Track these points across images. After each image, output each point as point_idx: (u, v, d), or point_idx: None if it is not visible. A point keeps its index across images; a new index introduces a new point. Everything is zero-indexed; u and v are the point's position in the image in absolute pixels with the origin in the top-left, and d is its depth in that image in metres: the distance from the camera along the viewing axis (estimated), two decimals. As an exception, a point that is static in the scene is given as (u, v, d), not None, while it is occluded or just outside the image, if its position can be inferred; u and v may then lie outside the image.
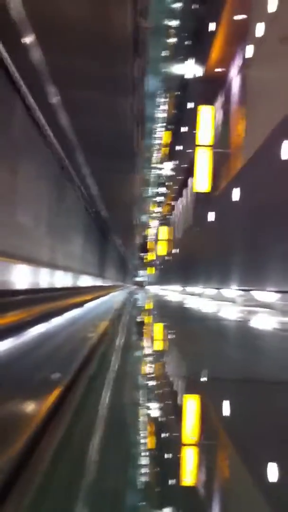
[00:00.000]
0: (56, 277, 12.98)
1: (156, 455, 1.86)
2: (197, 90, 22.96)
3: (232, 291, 14.08)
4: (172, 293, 31.91)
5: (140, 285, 71.36)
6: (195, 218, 25.43)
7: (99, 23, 7.76)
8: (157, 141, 44.93)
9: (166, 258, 49.54)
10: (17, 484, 1.41)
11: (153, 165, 46.32)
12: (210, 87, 20.03)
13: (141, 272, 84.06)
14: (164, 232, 54.56)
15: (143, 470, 1.67)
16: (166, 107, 39.24)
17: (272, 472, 1.72)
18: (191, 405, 2.77)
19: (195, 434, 2.14)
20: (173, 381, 3.40)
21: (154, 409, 2.46)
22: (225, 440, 2.12)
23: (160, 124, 42.23)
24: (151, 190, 51.11)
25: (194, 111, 22.36)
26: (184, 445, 1.96)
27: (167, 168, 39.84)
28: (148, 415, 2.37)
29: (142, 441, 1.99)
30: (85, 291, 15.67)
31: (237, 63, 16.55)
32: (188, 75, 26.48)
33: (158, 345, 5.28)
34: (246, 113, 14.35)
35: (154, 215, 60.41)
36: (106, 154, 13.81)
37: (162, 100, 38.50)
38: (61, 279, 13.96)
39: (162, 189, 46.62)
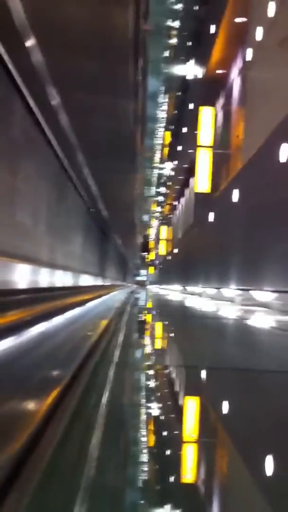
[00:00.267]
0: (56, 276, 13.08)
1: (157, 441, 1.96)
2: (198, 91, 23.06)
3: (231, 290, 14.21)
4: (173, 292, 32.03)
5: (141, 284, 71.36)
6: (195, 218, 25.54)
7: (100, 25, 7.80)
8: (158, 141, 45.02)
9: (167, 257, 49.64)
10: (19, 478, 1.42)
11: (154, 165, 46.39)
12: (211, 88, 20.14)
13: (142, 272, 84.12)
14: (164, 232, 54.69)
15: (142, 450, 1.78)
16: (166, 107, 39.33)
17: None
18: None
19: (192, 422, 2.27)
20: (170, 370, 3.63)
21: (153, 396, 2.60)
22: (218, 424, 2.25)
23: (161, 124, 42.31)
24: (152, 190, 51.20)
25: (194, 112, 22.48)
26: (184, 441, 2.06)
27: (168, 168, 39.92)
28: (147, 400, 2.54)
29: (141, 422, 2.12)
30: (86, 290, 15.78)
31: (237, 64, 16.67)
32: (189, 76, 26.59)
33: (157, 341, 5.46)
34: (246, 115, 14.47)
35: (155, 214, 60.51)
36: (106, 154, 13.83)
37: (163, 100, 38.59)
38: (61, 279, 14.06)
39: (163, 189, 46.71)
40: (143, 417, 2.27)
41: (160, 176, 46.76)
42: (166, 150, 42.57)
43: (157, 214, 58.77)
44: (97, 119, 11.26)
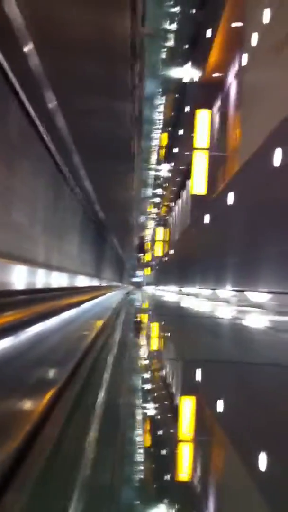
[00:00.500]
0: (52, 277, 13.17)
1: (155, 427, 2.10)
2: (194, 94, 23.21)
3: (227, 291, 14.36)
4: (169, 293, 32.15)
5: (138, 285, 71.40)
6: (191, 220, 25.68)
7: (97, 28, 7.86)
8: (154, 143, 45.14)
9: (163, 259, 49.74)
10: (16, 476, 1.43)
11: (150, 167, 46.50)
12: (208, 91, 20.29)
13: (138, 273, 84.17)
14: (161, 233, 54.81)
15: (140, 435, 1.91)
16: (163, 109, 39.47)
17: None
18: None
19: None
20: (165, 364, 3.92)
21: (149, 386, 2.74)
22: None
23: (157, 126, 42.44)
24: (148, 191, 51.30)
25: (191, 114, 22.62)
26: (181, 438, 2.20)
27: (165, 170, 40.05)
28: (143, 389, 2.71)
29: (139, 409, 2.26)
30: (82, 291, 15.88)
31: (234, 68, 16.84)
32: (186, 79, 26.74)
33: (152, 339, 5.69)
34: (242, 118, 14.62)
35: (152, 215, 60.58)
36: (103, 156, 13.88)
37: (160, 103, 38.72)
38: (57, 280, 14.15)
39: (160, 191, 46.83)
40: (141, 404, 2.41)
41: (156, 177, 46.86)
42: (162, 151, 42.68)
43: (154, 216, 58.86)
44: (94, 121, 11.34)
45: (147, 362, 3.85)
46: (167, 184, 39.96)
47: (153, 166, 46.37)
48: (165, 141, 41.60)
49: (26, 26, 7.21)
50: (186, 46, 27.00)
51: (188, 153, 23.55)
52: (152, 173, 47.17)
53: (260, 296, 10.66)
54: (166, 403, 2.61)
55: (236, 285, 13.23)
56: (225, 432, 2.17)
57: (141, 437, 2.02)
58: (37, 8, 7.01)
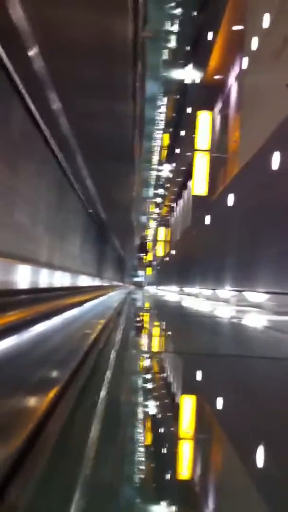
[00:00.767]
0: (54, 277, 13.31)
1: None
2: (196, 95, 23.34)
3: (226, 291, 14.53)
4: (170, 293, 32.28)
5: (139, 285, 71.38)
6: (192, 221, 25.82)
7: (100, 31, 7.96)
8: (156, 143, 45.24)
9: (164, 259, 49.83)
10: (19, 474, 1.44)
11: (152, 167, 46.60)
12: (209, 93, 20.42)
13: (139, 273, 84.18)
14: (162, 233, 54.90)
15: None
16: (165, 110, 39.57)
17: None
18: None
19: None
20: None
21: (148, 377, 2.92)
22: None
23: (159, 127, 42.53)
24: (150, 191, 51.37)
25: (192, 115, 22.76)
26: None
27: (166, 170, 40.16)
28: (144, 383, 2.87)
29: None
30: (84, 291, 16.02)
31: (234, 70, 16.98)
32: (188, 80, 26.88)
33: (154, 335, 5.95)
34: (242, 120, 14.77)
35: (153, 216, 60.61)
36: (105, 157, 13.98)
37: (161, 103, 38.83)
38: (60, 279, 14.30)
39: (161, 191, 46.92)
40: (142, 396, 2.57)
41: (158, 177, 46.96)
42: (164, 152, 42.79)
43: (155, 216, 58.93)
44: (97, 123, 11.46)
45: (147, 355, 4.09)
46: (168, 185, 40.07)
47: (154, 167, 46.46)
48: (166, 142, 41.73)
49: (30, 29, 7.35)
50: (188, 48, 27.15)
51: (189, 154, 23.70)
52: (153, 173, 47.26)
53: (258, 296, 10.84)
54: (166, 396, 2.77)
55: (235, 286, 13.39)
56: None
57: (144, 424, 2.14)
58: (41, 12, 7.13)
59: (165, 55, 30.23)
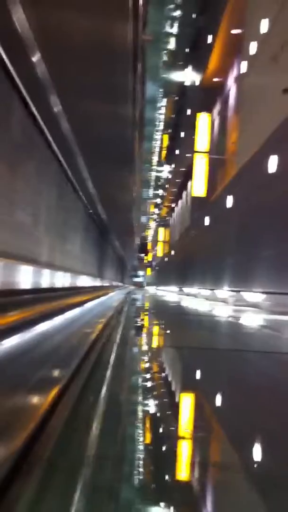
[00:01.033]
0: (55, 277, 13.42)
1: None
2: (195, 97, 23.49)
3: (225, 292, 14.68)
4: (169, 293, 32.39)
5: (139, 285, 71.40)
6: (191, 221, 25.94)
7: (100, 34, 8.09)
8: (156, 144, 45.37)
9: (164, 259, 49.92)
10: (20, 472, 1.45)
11: (152, 168, 46.70)
12: (208, 95, 20.57)
13: (139, 273, 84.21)
14: (162, 234, 54.98)
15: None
16: (165, 111, 39.72)
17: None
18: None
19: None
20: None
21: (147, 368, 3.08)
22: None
23: (159, 128, 42.67)
24: (150, 192, 51.47)
25: (191, 117, 22.90)
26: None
27: (166, 171, 40.28)
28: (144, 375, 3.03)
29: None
30: (85, 291, 16.13)
31: (233, 73, 17.14)
32: (187, 82, 27.02)
33: (154, 332, 6.11)
34: (240, 122, 14.92)
35: (153, 216, 60.70)
36: (106, 158, 14.09)
37: (161, 105, 38.98)
38: (60, 280, 14.41)
39: (161, 191, 47.02)
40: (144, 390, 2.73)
41: (158, 178, 47.07)
42: (164, 153, 42.92)
43: (155, 216, 59.03)
44: (97, 124, 11.58)
45: (146, 348, 4.44)
46: (168, 185, 40.18)
47: (154, 167, 46.56)
48: (166, 143, 41.86)
49: (32, 33, 7.51)
50: (187, 50, 27.29)
51: (188, 155, 23.83)
52: (153, 174, 47.36)
53: (255, 296, 11.00)
54: (169, 385, 2.95)
55: (233, 286, 13.54)
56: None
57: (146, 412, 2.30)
58: (42, 16, 7.28)
59: (165, 56, 30.38)
